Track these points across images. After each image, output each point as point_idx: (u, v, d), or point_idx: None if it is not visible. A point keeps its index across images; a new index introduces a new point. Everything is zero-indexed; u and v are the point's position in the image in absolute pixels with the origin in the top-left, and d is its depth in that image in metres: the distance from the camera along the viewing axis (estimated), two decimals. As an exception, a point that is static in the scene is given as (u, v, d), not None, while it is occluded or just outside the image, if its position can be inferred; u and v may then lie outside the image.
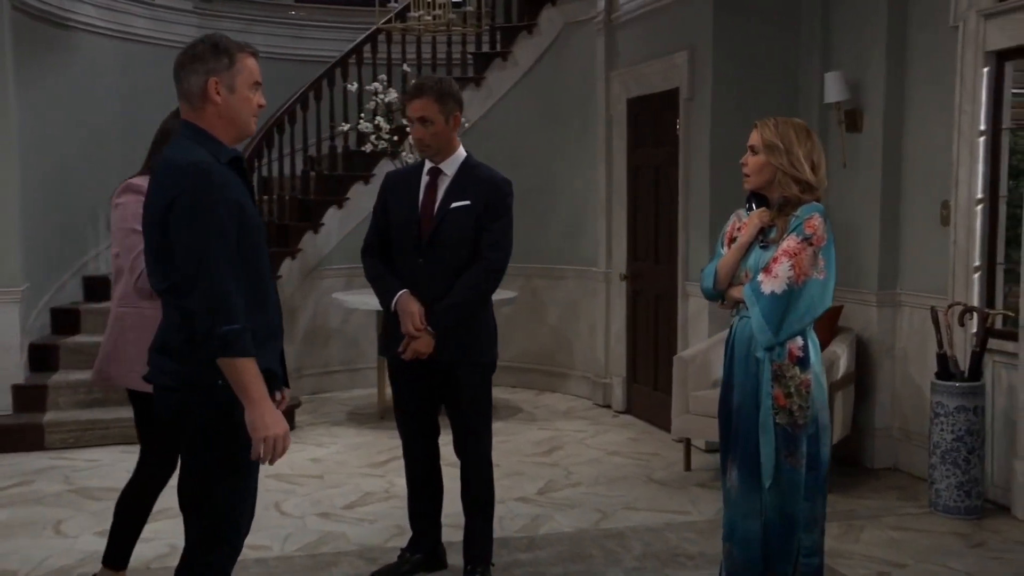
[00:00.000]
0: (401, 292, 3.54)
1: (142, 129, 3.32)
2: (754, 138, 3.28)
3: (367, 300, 6.56)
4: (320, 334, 7.40)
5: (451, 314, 3.51)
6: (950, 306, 4.79)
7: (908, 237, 5.30)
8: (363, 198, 7.63)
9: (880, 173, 5.32)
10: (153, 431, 3.32)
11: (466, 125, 6.55)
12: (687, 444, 5.44)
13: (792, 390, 3.22)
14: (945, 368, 4.67)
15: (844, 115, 5.45)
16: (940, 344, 4.70)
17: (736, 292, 3.31)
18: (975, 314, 4.76)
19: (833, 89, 5.40)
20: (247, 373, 2.38)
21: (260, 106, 2.57)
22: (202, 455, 2.48)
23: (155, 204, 2.46)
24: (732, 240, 3.37)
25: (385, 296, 3.60)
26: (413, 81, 3.60)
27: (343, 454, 5.79)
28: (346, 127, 7.37)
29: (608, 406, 6.92)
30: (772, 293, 3.16)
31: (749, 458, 3.26)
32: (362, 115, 7.19)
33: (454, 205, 3.54)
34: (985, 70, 4.75)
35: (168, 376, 2.48)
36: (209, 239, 2.37)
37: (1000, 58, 4.73)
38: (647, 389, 6.56)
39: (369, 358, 7.34)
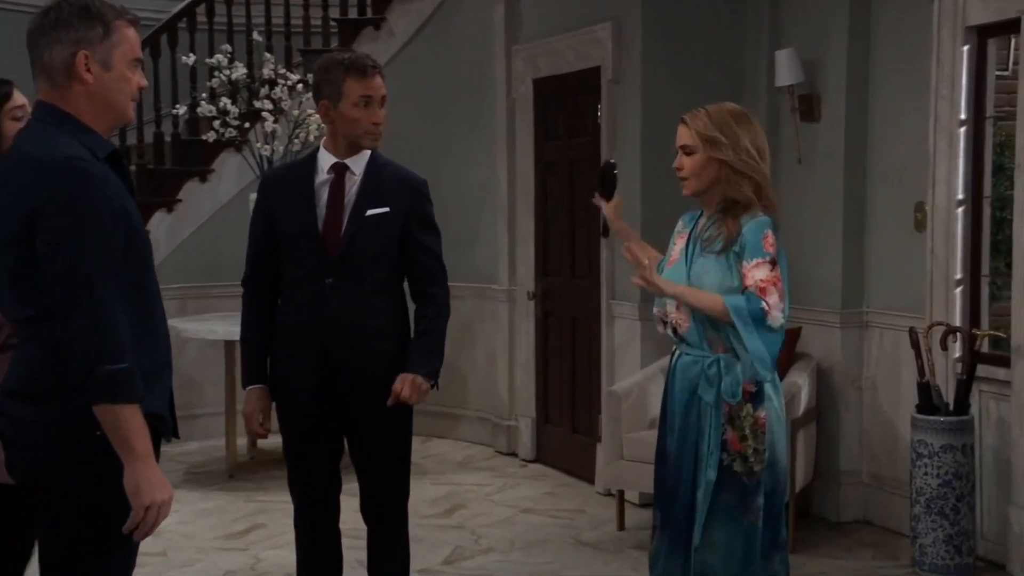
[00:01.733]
0: (252, 387, 3.58)
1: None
2: (684, 136, 3.33)
3: (212, 328, 6.37)
4: (147, 371, 7.11)
5: (435, 359, 3.54)
6: (930, 326, 4.91)
7: (876, 246, 5.43)
8: (200, 200, 7.45)
9: (842, 170, 5.44)
10: (7, 529, 2.99)
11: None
12: (620, 497, 5.43)
13: (747, 432, 3.27)
14: (928, 400, 4.78)
15: (798, 101, 5.55)
16: (921, 372, 4.81)
17: (700, 299, 3.26)
18: (959, 335, 4.89)
19: (785, 70, 5.50)
20: (132, 423, 2.30)
21: (140, 87, 2.51)
22: (71, 527, 2.35)
23: (10, 213, 2.33)
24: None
25: (244, 370, 3.64)
26: (355, 56, 3.46)
27: (189, 524, 5.55)
28: (180, 110, 7.14)
29: (514, 454, 6.88)
30: (780, 327, 3.25)
31: (676, 517, 3.33)
32: (202, 95, 6.96)
33: (370, 212, 3.47)
34: (965, 48, 4.90)
35: (28, 427, 2.34)
36: (91, 255, 2.29)
37: (982, 34, 4.89)
38: (562, 432, 6.54)
39: (212, 402, 7.08)
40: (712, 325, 3.28)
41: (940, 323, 4.92)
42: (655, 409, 5.44)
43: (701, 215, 3.43)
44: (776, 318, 3.21)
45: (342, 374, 3.47)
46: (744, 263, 3.24)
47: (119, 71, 2.46)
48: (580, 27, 6.19)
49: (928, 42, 5.02)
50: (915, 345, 4.84)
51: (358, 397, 3.48)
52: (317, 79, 3.49)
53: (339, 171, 3.50)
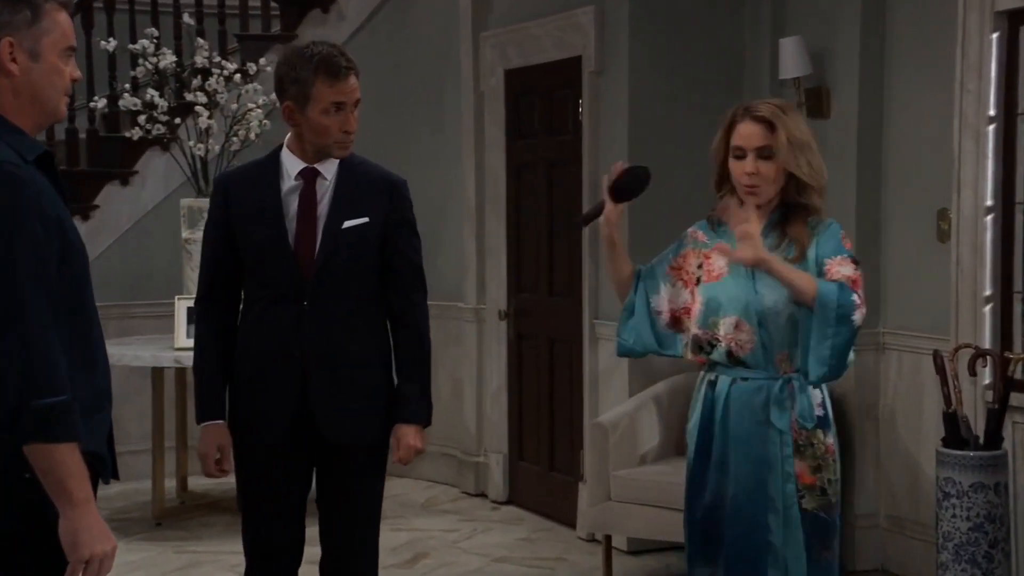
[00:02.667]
0: (210, 423, 3.53)
1: None
2: (761, 135, 3.31)
3: (137, 352, 6.31)
4: (61, 403, 7.03)
5: (428, 402, 3.61)
6: (956, 349, 4.94)
7: (894, 258, 5.46)
8: (121, 206, 7.44)
9: (854, 172, 5.48)
10: None
11: (279, 105, 6.38)
12: (607, 544, 5.43)
13: (819, 461, 3.35)
14: (955, 432, 4.80)
15: (805, 95, 5.59)
16: (947, 400, 4.83)
17: (802, 281, 3.25)
18: (989, 359, 4.92)
19: (790, 61, 5.53)
20: (69, 464, 2.29)
21: (74, 80, 2.53)
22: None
23: None
24: (687, 277, 3.46)
25: (199, 402, 3.58)
26: (326, 52, 3.39)
27: (112, 578, 5.48)
28: (98, 103, 7.08)
29: (483, 494, 6.88)
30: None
31: (748, 570, 3.33)
32: (124, 86, 6.91)
33: (348, 224, 3.45)
34: (995, 36, 4.93)
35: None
36: (22, 273, 2.29)
37: (1014, 20, 4.92)
38: (538, 470, 6.55)
39: (136, 437, 6.99)
40: (787, 341, 3.31)
41: (967, 345, 4.94)
42: (646, 443, 5.51)
43: None
44: (863, 314, 3.25)
45: (323, 410, 3.45)
46: (826, 260, 3.31)
47: (49, 61, 2.48)
48: (558, 11, 6.20)
49: (952, 29, 5.05)
50: (939, 370, 4.85)
51: (340, 434, 3.47)
52: (280, 74, 3.44)
53: (309, 177, 3.47)
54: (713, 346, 3.38)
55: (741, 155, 3.34)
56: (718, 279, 3.39)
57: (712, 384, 3.42)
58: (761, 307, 3.30)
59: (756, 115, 3.32)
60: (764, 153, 3.30)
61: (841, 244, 3.35)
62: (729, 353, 3.35)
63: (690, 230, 3.54)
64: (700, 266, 3.44)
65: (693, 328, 3.41)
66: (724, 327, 3.35)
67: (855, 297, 3.26)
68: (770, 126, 3.29)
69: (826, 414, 3.38)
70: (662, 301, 3.47)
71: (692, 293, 3.44)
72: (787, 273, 3.24)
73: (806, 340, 3.26)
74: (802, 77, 5.56)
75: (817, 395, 3.36)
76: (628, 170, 3.41)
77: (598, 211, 3.46)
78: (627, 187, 3.42)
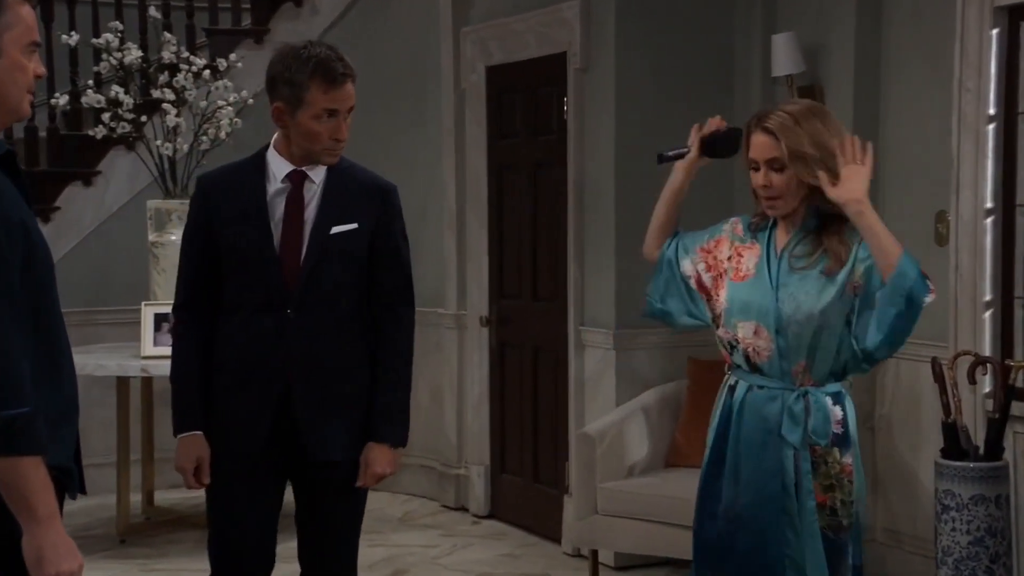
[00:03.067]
0: (189, 434, 3.51)
1: None
2: (769, 147, 3.31)
3: (101, 362, 6.28)
4: (21, 414, 7.00)
5: (405, 423, 3.62)
6: (955, 357, 4.96)
7: (891, 262, 5.47)
8: (83, 207, 7.42)
9: (850, 174, 5.49)
10: None
11: (250, 102, 6.39)
12: (593, 559, 5.46)
13: (832, 481, 3.34)
14: (954, 443, 4.82)
15: (798, 93, 5.60)
16: (946, 410, 4.84)
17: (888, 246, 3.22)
18: (989, 367, 4.94)
19: (782, 57, 5.55)
20: (33, 479, 2.28)
21: (38, 76, 2.53)
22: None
23: None
24: (713, 262, 3.47)
25: (178, 413, 3.56)
26: (323, 55, 3.38)
27: (75, 598, 5.46)
28: (60, 99, 7.05)
29: (464, 508, 6.89)
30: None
31: None
32: (87, 82, 6.88)
33: (336, 230, 3.45)
34: (994, 32, 4.96)
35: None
36: None
37: (1015, 15, 4.95)
38: (522, 482, 6.56)
39: (100, 450, 6.97)
40: (805, 352, 3.31)
41: (967, 353, 4.96)
42: (634, 454, 5.52)
43: (774, 225, 3.43)
44: (931, 299, 3.22)
45: (308, 425, 3.45)
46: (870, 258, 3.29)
47: (12, 58, 2.47)
48: (542, 5, 6.22)
49: (951, 25, 5.07)
50: (938, 379, 4.87)
51: (326, 451, 3.47)
52: (273, 73, 3.41)
53: (296, 180, 3.47)
54: (733, 347, 3.42)
55: (755, 167, 3.35)
56: (743, 280, 3.40)
57: (732, 389, 3.45)
58: (780, 314, 3.31)
59: (764, 126, 3.32)
60: (774, 165, 3.31)
61: None
62: (747, 358, 3.38)
63: (732, 219, 3.55)
64: (729, 258, 3.45)
65: (721, 328, 3.44)
66: (743, 330, 3.37)
67: (929, 283, 3.23)
68: (776, 137, 3.29)
69: (846, 432, 3.36)
70: (690, 267, 3.50)
71: (715, 281, 3.46)
72: (879, 228, 3.23)
73: (867, 311, 3.23)
74: (795, 74, 5.58)
75: (837, 412, 3.35)
76: (725, 131, 3.42)
77: (679, 156, 3.48)
78: (717, 146, 3.43)
